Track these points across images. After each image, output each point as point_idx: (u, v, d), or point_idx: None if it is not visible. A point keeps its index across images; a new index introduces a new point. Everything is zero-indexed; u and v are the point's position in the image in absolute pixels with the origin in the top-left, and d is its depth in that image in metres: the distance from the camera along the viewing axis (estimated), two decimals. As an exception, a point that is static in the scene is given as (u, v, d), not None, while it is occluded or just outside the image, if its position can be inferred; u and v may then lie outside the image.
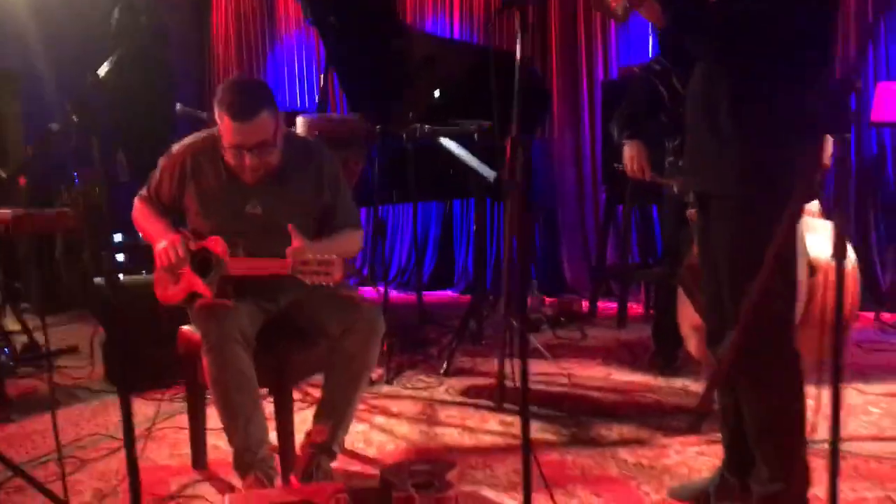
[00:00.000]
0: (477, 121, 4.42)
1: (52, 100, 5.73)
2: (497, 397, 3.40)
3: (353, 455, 2.93)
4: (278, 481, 2.49)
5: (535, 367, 3.87)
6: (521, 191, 4.60)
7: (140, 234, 2.71)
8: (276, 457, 2.55)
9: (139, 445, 2.85)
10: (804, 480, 2.12)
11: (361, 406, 3.46)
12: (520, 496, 2.47)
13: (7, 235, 3.94)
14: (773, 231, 1.79)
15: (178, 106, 4.87)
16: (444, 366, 3.89)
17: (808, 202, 2.24)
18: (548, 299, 5.24)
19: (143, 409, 3.34)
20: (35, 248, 6.01)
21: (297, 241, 2.41)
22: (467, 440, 3.04)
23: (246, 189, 2.56)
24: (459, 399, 3.53)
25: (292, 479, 2.51)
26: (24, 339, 4.51)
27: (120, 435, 3.08)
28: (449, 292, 6.18)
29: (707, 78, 2.09)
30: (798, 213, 2.08)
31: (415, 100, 4.93)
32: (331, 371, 2.59)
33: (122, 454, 2.85)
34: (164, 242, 2.50)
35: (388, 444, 3.03)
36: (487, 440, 3.05)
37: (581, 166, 5.71)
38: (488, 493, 2.57)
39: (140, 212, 2.67)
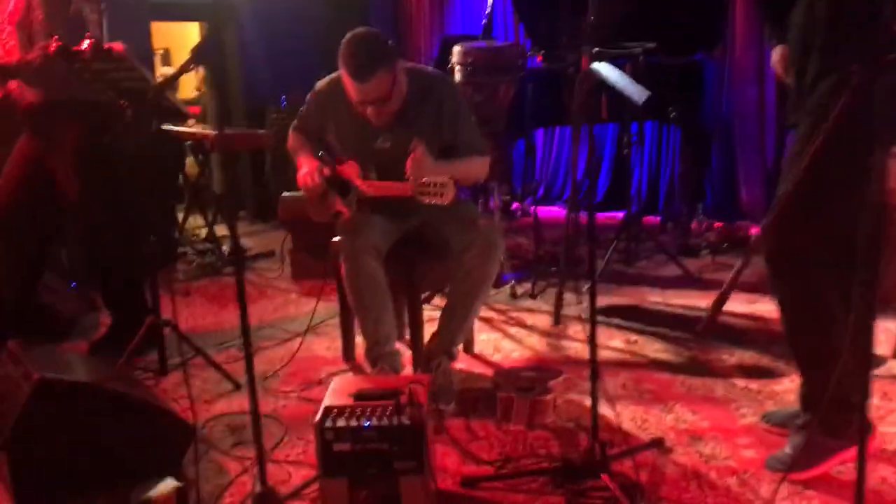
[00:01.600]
0: (643, 43, 4.43)
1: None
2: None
3: (481, 359, 3.24)
4: (405, 373, 2.86)
5: (680, 292, 3.94)
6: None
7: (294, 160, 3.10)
8: (408, 352, 2.92)
9: (307, 339, 3.38)
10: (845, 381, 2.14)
11: (499, 316, 3.76)
12: (623, 409, 2.68)
13: (212, 151, 4.58)
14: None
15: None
16: (587, 285, 4.04)
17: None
18: (717, 224, 5.17)
19: (318, 307, 3.82)
20: (251, 163, 6.79)
21: (418, 152, 2.64)
22: (588, 354, 3.23)
23: (373, 127, 2.83)
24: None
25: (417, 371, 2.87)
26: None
27: (289, 328, 3.65)
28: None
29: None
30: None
31: (590, 22, 4.95)
32: (453, 282, 2.88)
33: (289, 344, 3.40)
34: (305, 168, 2.86)
35: (514, 351, 3.31)
36: (607, 355, 3.22)
37: (763, 85, 5.46)
38: (587, 400, 2.77)
39: (292, 139, 3.05)
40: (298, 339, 3.34)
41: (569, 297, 3.97)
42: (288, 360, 3.22)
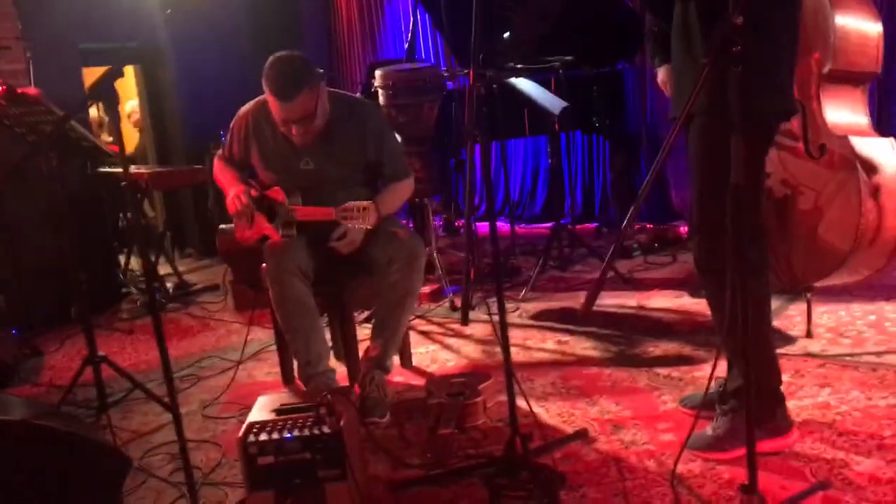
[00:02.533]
0: (562, 57, 4.61)
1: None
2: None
3: (418, 371, 3.32)
4: (338, 391, 2.93)
5: (612, 293, 4.07)
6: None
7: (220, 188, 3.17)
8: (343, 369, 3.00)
9: (248, 366, 3.44)
10: (769, 371, 2.27)
11: (437, 329, 3.85)
12: (550, 406, 2.78)
13: (147, 190, 4.62)
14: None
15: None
16: (522, 293, 4.17)
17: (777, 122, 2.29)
18: (649, 225, 5.33)
19: (259, 335, 3.88)
20: (193, 200, 6.81)
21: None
22: (521, 357, 3.34)
23: (298, 149, 2.93)
24: (528, 322, 3.81)
25: (355, 388, 2.94)
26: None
27: (231, 357, 3.69)
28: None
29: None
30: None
31: (512, 39, 5.11)
32: (379, 296, 2.96)
33: (230, 372, 3.45)
34: (232, 191, 2.94)
35: (450, 361, 3.40)
36: (538, 356, 3.33)
37: (684, 91, 5.66)
38: (521, 401, 2.87)
39: (218, 168, 3.13)
40: (238, 367, 3.40)
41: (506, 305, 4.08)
42: (226, 387, 3.28)
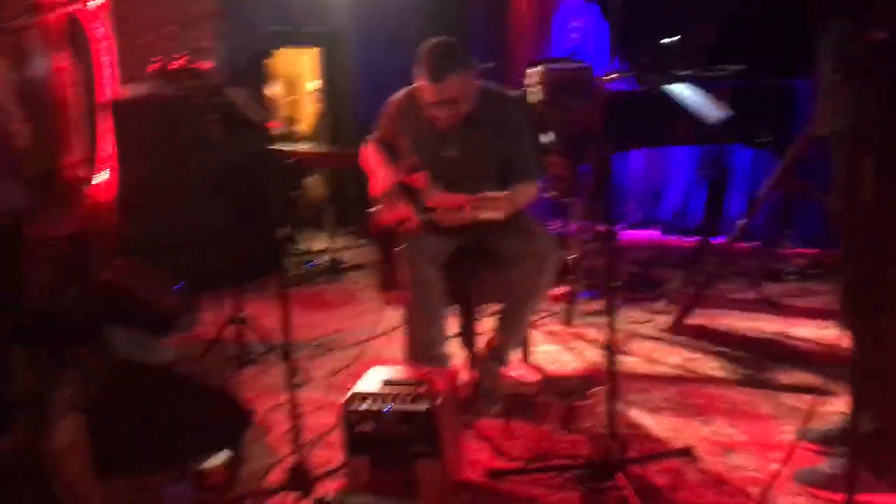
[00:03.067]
0: (733, 66, 4.46)
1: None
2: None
3: (538, 368, 3.34)
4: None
5: (754, 316, 3.91)
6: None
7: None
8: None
9: (379, 342, 3.61)
10: None
11: (565, 330, 3.85)
12: (662, 419, 2.74)
13: (310, 168, 4.91)
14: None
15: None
16: (662, 304, 4.08)
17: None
18: (811, 250, 5.04)
19: (397, 315, 4.02)
20: (357, 179, 7.12)
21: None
22: (643, 368, 3.29)
23: (443, 136, 3.01)
24: (658, 335, 3.72)
25: (471, 376, 3.02)
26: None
27: (366, 333, 3.87)
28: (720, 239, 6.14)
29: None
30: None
31: (683, 43, 4.99)
32: (507, 290, 3.01)
33: (363, 346, 3.62)
34: (379, 175, 3.07)
35: (571, 363, 3.39)
36: (661, 370, 3.26)
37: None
38: (632, 411, 2.84)
39: (368, 151, 3.26)
40: (368, 343, 3.57)
41: (639, 314, 4.02)
42: (354, 359, 3.45)
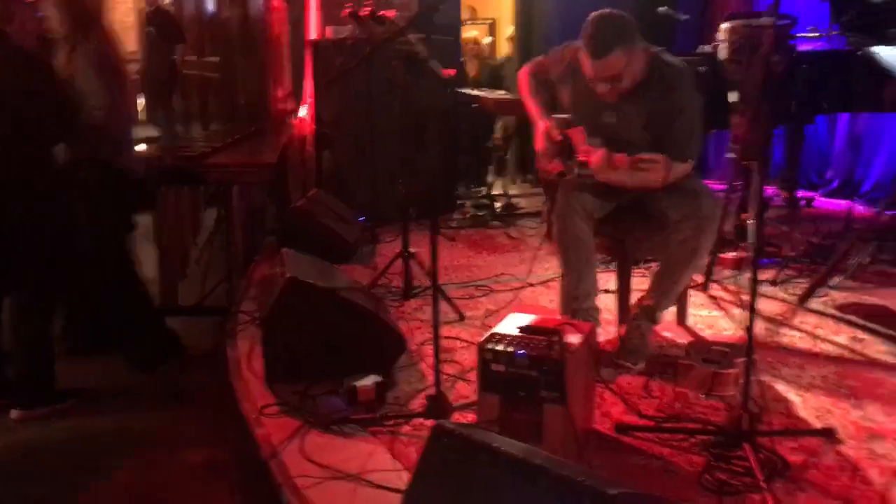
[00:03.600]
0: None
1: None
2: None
3: (691, 331, 3.33)
4: (600, 329, 3.08)
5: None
6: None
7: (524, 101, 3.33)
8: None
9: (537, 289, 3.73)
10: None
11: (729, 297, 3.76)
12: (810, 397, 2.68)
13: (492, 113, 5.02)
14: None
15: (662, 7, 5.24)
16: (837, 280, 3.87)
17: None
18: None
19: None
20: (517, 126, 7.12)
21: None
22: (802, 344, 3.18)
23: (603, 103, 2.98)
24: (829, 311, 3.55)
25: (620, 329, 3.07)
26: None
27: (522, 278, 3.99)
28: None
29: None
30: None
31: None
32: (666, 250, 3.01)
33: (522, 292, 3.75)
34: (541, 126, 3.12)
35: (727, 330, 3.34)
36: (822, 347, 3.14)
37: None
38: (779, 385, 2.78)
39: (525, 82, 3.26)
40: (525, 288, 3.69)
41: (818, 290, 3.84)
42: (509, 302, 3.58)
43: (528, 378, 2.22)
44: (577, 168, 3.04)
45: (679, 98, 2.90)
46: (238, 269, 4.11)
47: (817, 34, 4.96)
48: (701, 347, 2.93)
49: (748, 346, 2.28)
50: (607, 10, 2.88)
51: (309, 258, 3.28)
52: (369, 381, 2.67)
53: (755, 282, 2.27)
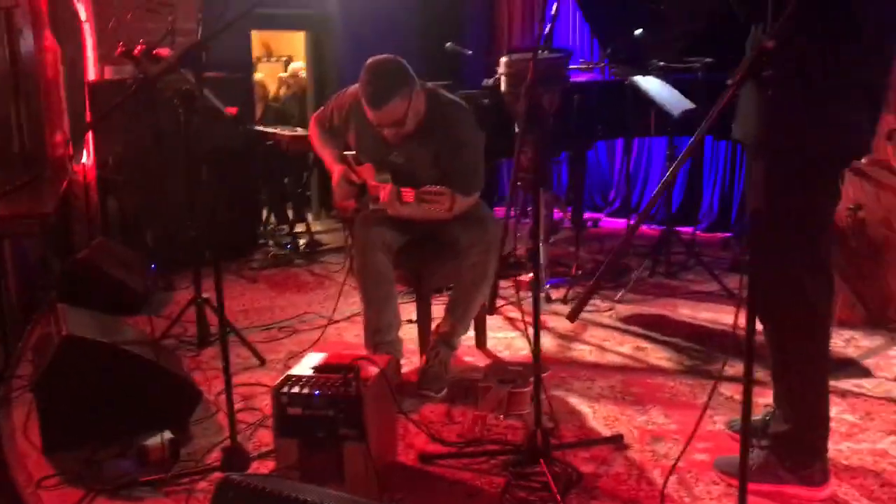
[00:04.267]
0: (703, 59, 4.50)
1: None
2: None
3: (490, 354, 3.42)
4: (405, 361, 3.10)
5: (715, 306, 3.97)
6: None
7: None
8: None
9: (341, 326, 3.67)
10: (812, 425, 2.19)
11: (525, 317, 3.91)
12: (600, 408, 2.82)
13: (287, 151, 4.98)
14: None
15: (448, 44, 5.40)
16: (619, 294, 4.14)
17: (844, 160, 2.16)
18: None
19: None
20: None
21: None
22: (592, 357, 3.36)
23: (389, 144, 3.03)
24: (615, 324, 3.78)
25: (422, 359, 3.09)
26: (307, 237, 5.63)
27: (327, 315, 3.93)
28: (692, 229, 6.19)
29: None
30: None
31: (656, 35, 5.01)
32: (457, 276, 3.08)
33: (325, 331, 3.68)
34: (335, 171, 3.11)
35: (524, 350, 3.46)
36: (609, 359, 3.33)
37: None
38: (572, 398, 2.92)
39: (314, 133, 3.28)
40: (328, 326, 3.64)
41: (600, 303, 4.08)
42: (314, 342, 3.52)
43: (326, 418, 2.18)
44: (370, 203, 3.07)
45: (461, 134, 3.00)
46: (15, 330, 3.75)
47: (588, 66, 5.35)
48: (498, 369, 3.02)
49: (534, 365, 2.36)
50: (382, 58, 2.94)
51: (89, 312, 3.06)
52: (160, 438, 2.51)
53: (537, 302, 2.35)
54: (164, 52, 3.02)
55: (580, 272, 4.40)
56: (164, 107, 4.01)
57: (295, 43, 9.01)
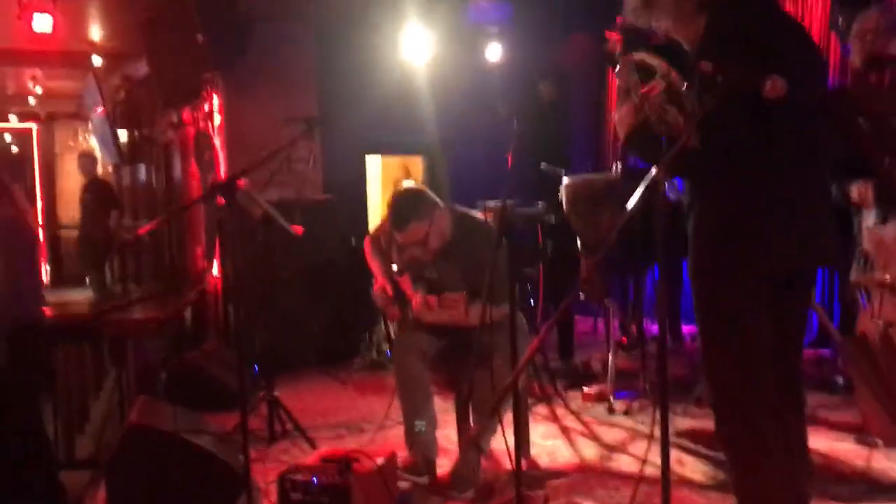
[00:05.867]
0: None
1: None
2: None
3: (532, 463, 3.54)
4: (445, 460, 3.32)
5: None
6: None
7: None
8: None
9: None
10: None
11: (579, 427, 4.02)
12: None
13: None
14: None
15: (543, 164, 5.72)
16: (681, 407, 4.14)
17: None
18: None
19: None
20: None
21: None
22: (626, 467, 3.43)
23: (422, 261, 3.40)
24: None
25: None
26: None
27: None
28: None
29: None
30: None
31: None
32: (483, 382, 3.29)
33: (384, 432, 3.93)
34: (378, 283, 3.49)
35: (565, 458, 3.57)
36: (647, 470, 3.36)
37: None
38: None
39: (367, 249, 3.65)
40: (391, 429, 3.90)
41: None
42: (365, 443, 3.79)
43: (321, 503, 2.44)
44: (410, 313, 3.40)
45: (482, 252, 3.26)
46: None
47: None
48: (526, 474, 3.16)
49: (516, 472, 2.52)
50: (406, 188, 3.36)
51: (170, 406, 3.50)
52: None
53: (520, 422, 2.53)
54: (241, 182, 3.53)
55: (647, 386, 4.44)
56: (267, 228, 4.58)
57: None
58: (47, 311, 4.43)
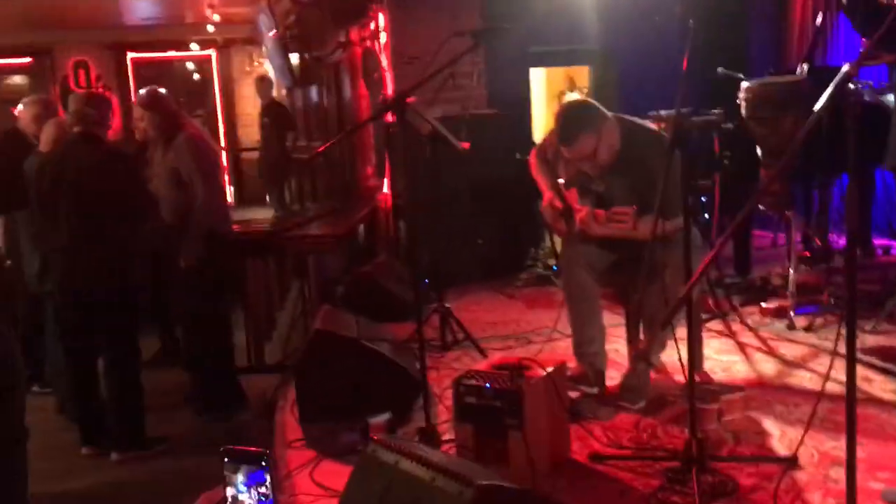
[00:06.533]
0: None
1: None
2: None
3: (704, 375, 3.48)
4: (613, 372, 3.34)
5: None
6: None
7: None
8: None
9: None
10: None
11: (756, 343, 3.89)
12: (789, 430, 2.84)
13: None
14: None
15: (720, 69, 5.45)
16: (871, 324, 3.90)
17: None
18: None
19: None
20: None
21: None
22: (808, 384, 3.30)
23: (589, 174, 3.30)
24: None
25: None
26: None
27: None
28: None
29: None
30: None
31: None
32: (653, 295, 3.23)
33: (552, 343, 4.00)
34: (546, 197, 3.44)
35: (740, 374, 3.48)
36: (829, 387, 3.20)
37: None
38: (767, 420, 2.93)
39: (533, 162, 3.58)
40: (560, 341, 3.94)
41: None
42: (538, 352, 3.85)
43: (494, 408, 2.53)
44: (576, 227, 3.36)
45: (654, 164, 3.15)
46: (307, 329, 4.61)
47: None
48: (700, 388, 3.11)
49: (688, 382, 2.49)
50: (572, 100, 3.25)
51: (350, 315, 3.71)
52: (383, 418, 3.04)
53: (694, 329, 2.47)
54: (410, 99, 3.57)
55: (832, 301, 4.21)
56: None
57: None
58: (235, 227, 4.79)
